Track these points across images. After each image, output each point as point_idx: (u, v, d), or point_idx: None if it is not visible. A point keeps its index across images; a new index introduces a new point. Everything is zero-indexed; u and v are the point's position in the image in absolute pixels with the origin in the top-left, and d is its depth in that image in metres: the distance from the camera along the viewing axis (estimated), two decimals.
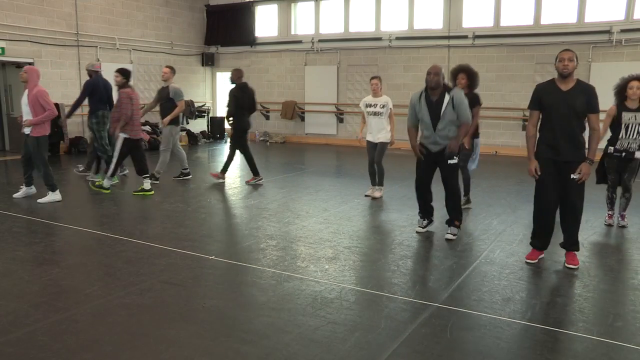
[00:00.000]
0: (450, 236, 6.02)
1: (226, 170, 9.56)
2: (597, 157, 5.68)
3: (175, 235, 6.13)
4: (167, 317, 3.93)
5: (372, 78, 8.13)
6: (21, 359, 3.29)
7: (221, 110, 18.05)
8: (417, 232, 6.32)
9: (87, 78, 9.43)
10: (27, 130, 7.42)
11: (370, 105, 8.08)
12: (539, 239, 5.26)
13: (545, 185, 5.07)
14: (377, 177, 8.25)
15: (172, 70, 9.28)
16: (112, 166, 8.39)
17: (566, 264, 5.12)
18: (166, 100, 9.12)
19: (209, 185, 9.30)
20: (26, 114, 7.40)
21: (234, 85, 9.22)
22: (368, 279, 4.78)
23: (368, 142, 8.21)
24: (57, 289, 4.48)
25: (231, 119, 9.21)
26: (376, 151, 8.11)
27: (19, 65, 11.90)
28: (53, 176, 7.76)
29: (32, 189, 7.97)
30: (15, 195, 7.92)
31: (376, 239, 6.11)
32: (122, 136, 8.28)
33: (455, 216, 6.09)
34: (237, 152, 9.38)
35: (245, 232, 6.37)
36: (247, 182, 9.44)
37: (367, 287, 4.58)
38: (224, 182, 9.51)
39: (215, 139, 16.79)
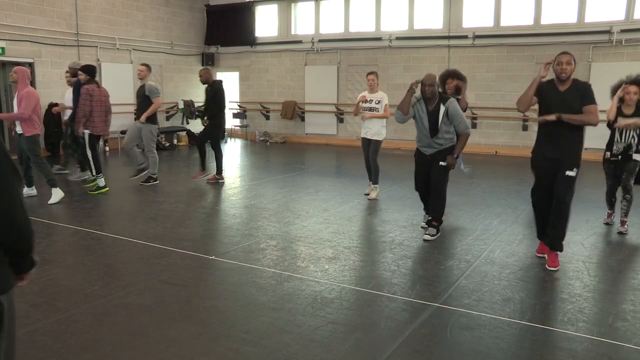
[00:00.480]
0: (428, 237, 5.99)
1: (221, 170, 9.57)
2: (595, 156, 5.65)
3: (175, 235, 6.13)
4: (167, 317, 3.94)
5: (369, 73, 8.15)
6: (21, 358, 3.28)
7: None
8: (421, 227, 6.34)
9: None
10: (19, 130, 7.42)
11: (366, 101, 8.09)
12: (538, 231, 5.41)
13: (539, 184, 5.20)
14: (372, 175, 8.26)
15: (148, 67, 9.08)
16: (92, 165, 8.46)
17: (547, 266, 5.09)
18: (143, 98, 8.92)
19: (209, 185, 9.30)
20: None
21: (212, 84, 9.26)
22: (368, 279, 4.78)
23: (363, 139, 8.22)
24: (57, 289, 4.48)
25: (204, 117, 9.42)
26: (370, 149, 8.12)
27: (13, 65, 11.90)
28: (52, 172, 7.79)
29: (33, 191, 7.96)
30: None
31: (376, 239, 6.11)
32: (86, 132, 8.37)
33: (435, 217, 6.09)
34: (204, 145, 9.60)
35: (245, 232, 6.37)
36: (195, 177, 9.57)
37: (367, 287, 4.58)
38: (223, 181, 9.51)
39: None
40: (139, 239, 5.91)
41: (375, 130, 8.04)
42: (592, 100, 4.83)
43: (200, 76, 9.37)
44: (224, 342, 3.56)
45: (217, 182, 9.46)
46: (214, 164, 9.63)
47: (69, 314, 3.98)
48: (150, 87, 8.93)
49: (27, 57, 12.18)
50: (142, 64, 9.15)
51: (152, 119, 8.99)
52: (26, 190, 7.90)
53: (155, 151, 9.24)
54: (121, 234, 6.10)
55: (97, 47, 13.81)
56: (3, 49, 11.76)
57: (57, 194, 7.63)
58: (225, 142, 16.46)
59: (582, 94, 4.84)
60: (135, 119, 8.98)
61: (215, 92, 9.22)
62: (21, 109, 7.23)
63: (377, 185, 8.30)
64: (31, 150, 7.47)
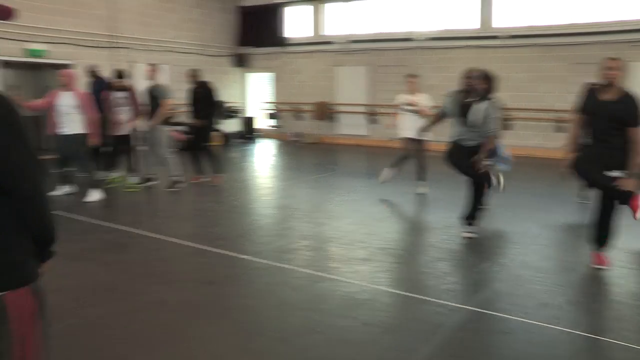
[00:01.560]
0: (467, 234, 5.98)
1: (220, 171, 9.32)
2: None
3: (208, 234, 6.21)
4: (201, 315, 3.99)
5: (409, 76, 8.24)
6: (61, 351, 3.37)
7: (252, 110, 18.09)
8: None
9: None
10: (67, 131, 7.58)
11: (408, 104, 8.08)
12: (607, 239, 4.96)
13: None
14: (420, 172, 8.31)
15: (157, 68, 8.98)
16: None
17: (596, 265, 4.99)
18: (155, 100, 8.73)
19: (242, 184, 9.37)
20: (65, 115, 7.54)
21: (204, 85, 9.14)
22: (402, 281, 4.77)
23: (406, 138, 8.17)
24: (95, 284, 4.58)
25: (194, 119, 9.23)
26: (418, 149, 8.11)
27: (58, 67, 12.16)
28: (96, 172, 7.99)
29: (69, 189, 8.09)
30: (58, 194, 7.97)
31: (410, 241, 6.09)
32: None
33: (471, 215, 6.04)
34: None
35: (277, 232, 6.41)
36: (210, 182, 9.07)
37: (400, 289, 4.56)
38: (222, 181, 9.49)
39: (246, 139, 16.76)
40: (174, 238, 5.99)
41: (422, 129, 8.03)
42: (633, 122, 4.57)
43: (192, 76, 9.21)
44: (256, 340, 3.60)
45: (217, 183, 9.09)
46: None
47: (106, 309, 4.07)
48: (163, 89, 8.79)
49: (66, 59, 12.40)
50: (150, 64, 9.04)
51: (164, 121, 8.81)
52: (63, 189, 8.04)
53: (171, 153, 8.99)
54: (157, 233, 6.17)
55: (132, 48, 14.03)
56: (44, 51, 12.06)
57: (95, 194, 7.79)
58: (255, 142, 16.51)
59: (628, 108, 4.59)
60: (155, 123, 8.88)
61: (208, 93, 9.11)
62: (90, 112, 7.66)
63: (425, 182, 8.40)
64: (78, 150, 7.65)
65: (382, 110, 14.94)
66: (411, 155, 8.24)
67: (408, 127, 8.14)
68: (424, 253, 5.58)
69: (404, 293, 4.46)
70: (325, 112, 16.28)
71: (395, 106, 8.34)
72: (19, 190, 1.73)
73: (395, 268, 5.13)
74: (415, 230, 6.52)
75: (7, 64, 11.31)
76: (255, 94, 18.25)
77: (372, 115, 15.63)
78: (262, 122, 17.41)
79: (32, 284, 1.80)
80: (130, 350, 3.45)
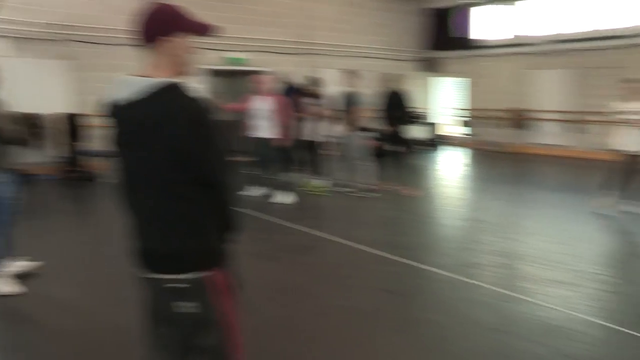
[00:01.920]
0: None
1: (411, 180, 9.09)
2: None
3: (393, 242, 6.10)
4: (382, 325, 3.90)
5: (630, 80, 7.21)
6: (249, 347, 3.51)
7: (438, 116, 17.58)
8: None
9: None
10: (261, 134, 8.06)
11: (631, 112, 7.04)
12: None
13: None
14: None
15: (355, 74, 9.01)
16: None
17: None
18: (350, 105, 8.78)
19: (430, 194, 9.12)
20: (261, 119, 8.03)
21: (392, 90, 8.99)
22: (609, 311, 4.16)
23: (623, 152, 7.15)
24: (281, 284, 4.75)
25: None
26: (635, 162, 7.09)
27: (253, 73, 13.04)
28: (290, 177, 8.39)
29: (261, 190, 8.54)
30: (249, 194, 8.46)
31: (620, 267, 5.33)
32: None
33: None
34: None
35: (464, 245, 6.08)
36: (400, 191, 8.76)
37: (607, 320, 3.96)
38: (427, 193, 9.23)
39: (431, 146, 16.19)
40: (358, 244, 5.97)
41: None
42: None
43: (385, 81, 9.14)
44: (438, 358, 3.39)
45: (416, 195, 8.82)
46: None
47: (291, 309, 4.18)
48: (357, 96, 8.79)
49: (264, 66, 13.24)
50: (348, 71, 9.12)
51: (359, 127, 8.79)
52: (259, 190, 8.54)
53: (370, 161, 8.96)
54: (342, 238, 6.21)
55: (323, 54, 14.54)
56: (244, 59, 13.11)
57: (285, 196, 8.15)
58: (440, 150, 15.95)
59: None
60: (348, 129, 8.94)
61: (400, 99, 8.95)
62: (284, 117, 8.07)
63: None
64: (271, 153, 8.09)
65: (591, 118, 13.43)
66: (629, 171, 7.15)
67: (627, 139, 7.11)
68: (638, 282, 4.82)
69: (611, 325, 3.87)
70: (522, 119, 15.24)
71: (610, 114, 7.32)
72: (212, 182, 1.95)
73: (600, 295, 4.50)
74: (627, 255, 5.69)
75: (215, 73, 12.46)
76: (442, 99, 17.75)
77: (577, 123, 14.21)
78: (452, 128, 16.87)
79: (222, 266, 2.07)
80: (313, 353, 3.49)
